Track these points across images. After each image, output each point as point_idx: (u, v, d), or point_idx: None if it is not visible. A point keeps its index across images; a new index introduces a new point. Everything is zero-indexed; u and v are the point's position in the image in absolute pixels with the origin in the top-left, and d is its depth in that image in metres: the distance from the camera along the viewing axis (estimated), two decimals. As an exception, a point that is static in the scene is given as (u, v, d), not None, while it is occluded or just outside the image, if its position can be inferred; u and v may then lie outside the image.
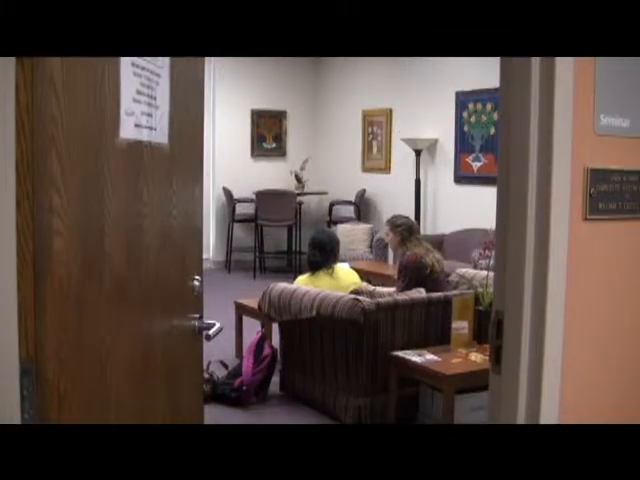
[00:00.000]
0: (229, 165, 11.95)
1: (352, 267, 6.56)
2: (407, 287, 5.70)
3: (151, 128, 1.99)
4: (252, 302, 6.50)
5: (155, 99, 2.01)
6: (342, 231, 10.31)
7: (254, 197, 11.26)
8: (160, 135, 2.06)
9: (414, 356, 4.99)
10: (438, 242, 8.85)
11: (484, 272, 5.62)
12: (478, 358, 4.92)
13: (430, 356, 4.99)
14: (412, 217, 8.77)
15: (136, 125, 1.89)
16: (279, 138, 12.49)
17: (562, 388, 1.99)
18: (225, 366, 6.07)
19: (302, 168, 12.07)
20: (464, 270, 6.36)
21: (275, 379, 5.95)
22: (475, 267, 7.19)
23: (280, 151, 12.51)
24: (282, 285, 5.82)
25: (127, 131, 1.83)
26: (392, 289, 6.00)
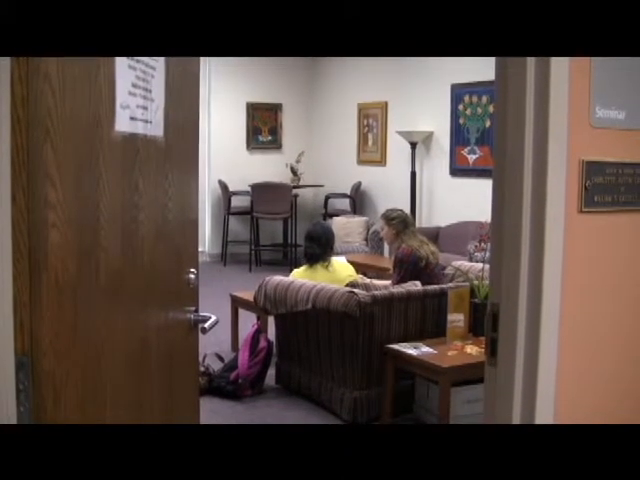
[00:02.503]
0: (225, 158, 11.94)
1: (348, 260, 6.55)
2: (402, 280, 5.71)
3: (146, 121, 1.99)
4: (248, 295, 6.50)
5: (150, 92, 2.00)
6: (338, 224, 10.31)
7: (250, 190, 11.26)
8: (155, 128, 2.06)
9: (410, 349, 4.99)
10: (434, 235, 8.86)
11: (480, 264, 5.63)
12: (474, 350, 4.93)
13: (426, 349, 5.00)
14: (408, 210, 8.79)
15: (131, 118, 1.88)
16: (275, 131, 12.48)
17: (558, 380, 1.99)
18: (221, 359, 6.08)
19: (298, 161, 12.07)
20: (460, 262, 6.37)
21: (271, 372, 5.96)
22: (471, 259, 7.19)
23: (276, 144, 12.50)
24: (278, 278, 5.82)
25: (122, 124, 1.82)
26: (388, 282, 6.00)
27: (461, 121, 9.73)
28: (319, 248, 5.95)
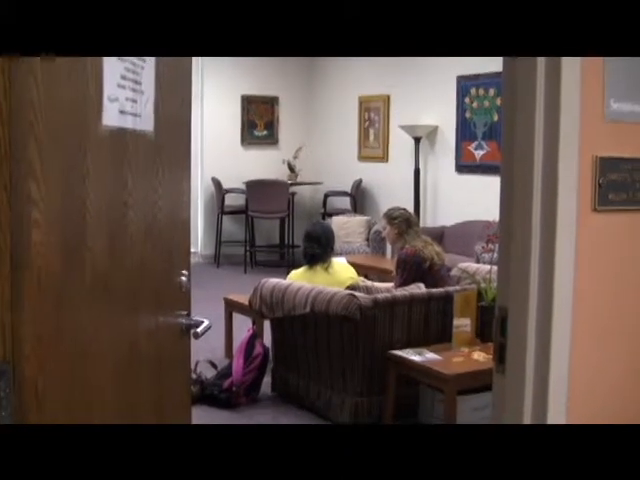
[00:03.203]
0: (218, 154, 11.94)
1: (348, 261, 6.56)
2: (406, 282, 5.71)
3: (136, 115, 1.98)
4: (242, 298, 6.49)
5: (140, 84, 2.00)
6: (337, 223, 10.31)
7: (244, 187, 11.26)
8: (145, 122, 2.05)
9: (413, 355, 4.99)
10: (439, 235, 8.86)
11: (487, 266, 5.63)
12: (481, 357, 4.93)
13: (430, 355, 5.00)
14: (411, 208, 8.78)
15: (120, 111, 1.88)
16: (271, 125, 12.48)
17: (569, 388, 1.99)
18: (214, 366, 6.07)
19: (295, 157, 12.07)
20: (466, 264, 6.37)
21: (267, 379, 5.95)
22: (478, 261, 7.20)
23: (272, 139, 12.50)
24: (274, 280, 5.82)
25: (110, 118, 1.82)
26: (390, 284, 6.00)
27: (467, 115, 9.74)
28: (319, 248, 5.95)
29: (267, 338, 6.14)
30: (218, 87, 11.92)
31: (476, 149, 9.63)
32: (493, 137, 9.30)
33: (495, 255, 5.14)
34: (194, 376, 5.67)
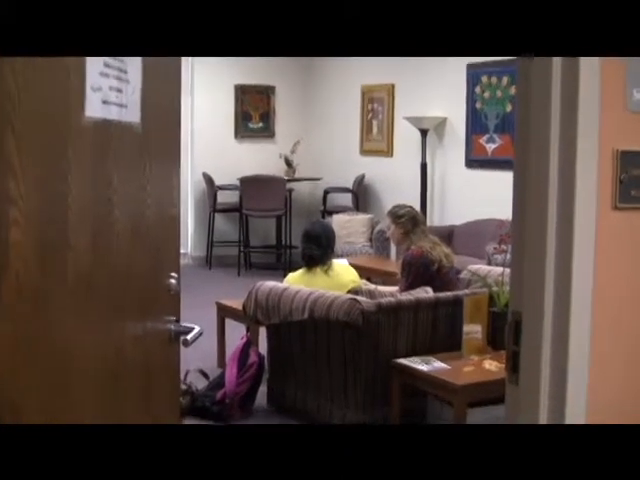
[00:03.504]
0: (210, 148, 11.94)
1: (350, 263, 6.55)
2: (412, 286, 5.70)
3: (121, 105, 1.98)
4: (236, 303, 6.49)
5: (126, 72, 2.00)
6: (338, 222, 10.30)
7: (238, 184, 11.25)
8: (131, 113, 2.05)
9: (420, 364, 4.99)
10: (447, 234, 8.86)
11: (500, 268, 5.63)
12: (493, 366, 4.93)
13: (438, 364, 5.00)
14: (417, 206, 8.79)
15: (104, 102, 1.88)
16: (267, 117, 12.47)
17: (588, 400, 1.99)
18: (205, 376, 6.07)
19: (293, 151, 12.06)
20: (477, 266, 6.37)
21: (262, 390, 5.95)
22: (489, 263, 7.21)
23: (268, 132, 12.50)
24: (270, 284, 5.82)
25: (94, 109, 1.82)
26: (395, 288, 6.00)
27: (478, 105, 9.73)
28: (318, 249, 5.94)
29: (262, 346, 6.14)
30: (210, 76, 11.90)
31: (488, 142, 9.63)
32: (506, 129, 9.29)
33: (508, 256, 5.14)
34: (184, 387, 5.67)
